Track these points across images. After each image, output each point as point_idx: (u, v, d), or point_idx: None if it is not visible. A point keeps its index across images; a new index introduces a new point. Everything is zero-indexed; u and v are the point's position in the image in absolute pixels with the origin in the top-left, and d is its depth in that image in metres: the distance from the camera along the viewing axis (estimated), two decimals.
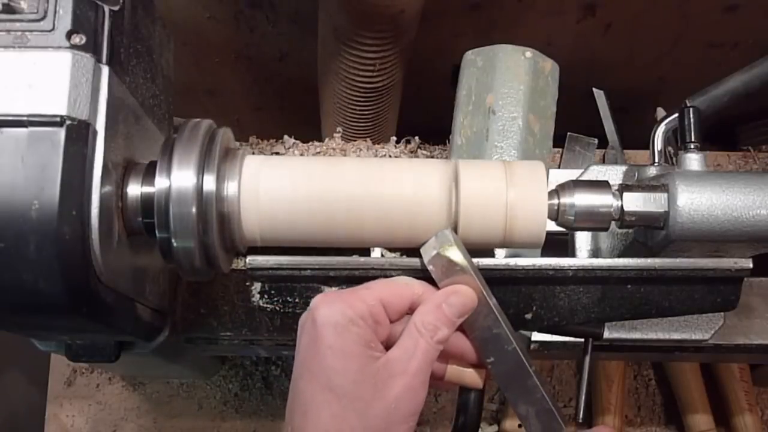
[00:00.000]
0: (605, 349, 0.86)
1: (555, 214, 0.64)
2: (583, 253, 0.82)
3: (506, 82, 0.85)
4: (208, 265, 0.63)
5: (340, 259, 0.64)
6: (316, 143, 1.17)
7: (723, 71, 0.76)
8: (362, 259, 0.65)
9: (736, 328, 0.89)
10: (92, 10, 0.59)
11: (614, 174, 0.80)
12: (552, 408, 0.61)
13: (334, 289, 0.64)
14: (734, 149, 1.24)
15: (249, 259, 0.64)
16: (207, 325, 0.85)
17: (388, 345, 0.58)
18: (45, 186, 0.54)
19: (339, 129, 1.22)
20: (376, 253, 0.90)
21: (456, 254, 0.61)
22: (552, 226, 0.65)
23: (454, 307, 0.59)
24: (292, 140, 1.16)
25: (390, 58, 1.09)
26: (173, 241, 0.61)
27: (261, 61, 1.37)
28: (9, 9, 0.58)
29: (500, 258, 0.68)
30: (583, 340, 0.79)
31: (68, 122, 0.56)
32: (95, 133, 0.58)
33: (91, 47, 0.58)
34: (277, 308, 0.65)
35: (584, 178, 0.81)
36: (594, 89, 0.99)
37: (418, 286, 0.60)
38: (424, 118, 1.18)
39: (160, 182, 0.61)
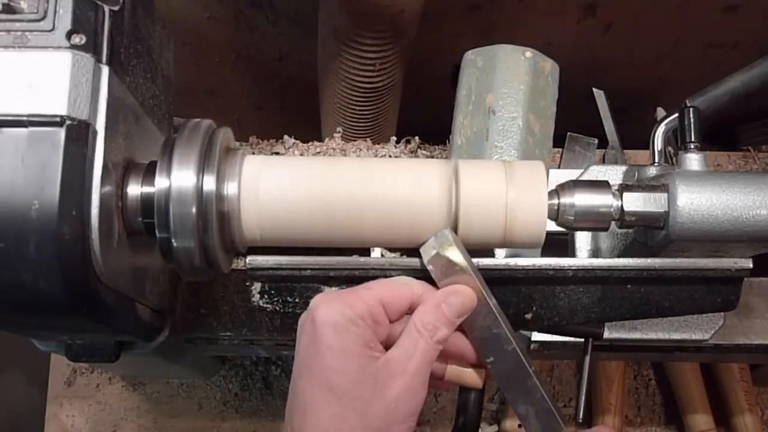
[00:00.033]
0: (605, 349, 0.86)
1: (555, 214, 0.64)
2: (583, 253, 0.82)
3: (506, 82, 0.85)
4: (208, 265, 0.63)
5: (340, 259, 0.64)
6: (316, 143, 1.17)
7: (723, 71, 0.76)
8: (362, 259, 0.65)
9: (736, 328, 0.89)
10: (92, 10, 0.59)
11: (614, 174, 0.80)
12: (552, 408, 0.61)
13: (334, 289, 0.64)
14: (734, 149, 1.25)
15: (249, 259, 0.64)
16: (207, 325, 0.85)
17: (387, 345, 0.58)
18: (45, 186, 0.54)
19: (339, 129, 1.22)
20: (376, 253, 0.90)
21: (455, 254, 0.61)
22: (552, 226, 0.65)
23: (453, 307, 0.59)
24: (292, 140, 1.16)
25: (390, 58, 1.09)
26: (173, 241, 0.61)
27: (261, 61, 1.37)
28: (9, 9, 0.58)
29: (500, 258, 0.68)
30: (583, 340, 0.79)
31: (68, 122, 0.56)
32: (95, 133, 0.58)
33: (91, 47, 0.58)
34: (277, 308, 0.65)
35: (584, 178, 0.81)
36: (594, 89, 0.99)
37: (417, 286, 0.60)
38: (424, 118, 1.18)
39: (160, 182, 0.61)
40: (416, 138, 1.19)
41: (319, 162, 0.66)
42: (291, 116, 1.51)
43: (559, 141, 1.04)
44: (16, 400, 1.38)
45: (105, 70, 0.60)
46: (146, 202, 0.63)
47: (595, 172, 0.81)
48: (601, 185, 0.65)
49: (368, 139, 1.23)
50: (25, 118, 0.55)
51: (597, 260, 0.67)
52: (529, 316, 0.67)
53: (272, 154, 1.15)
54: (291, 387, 0.58)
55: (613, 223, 0.65)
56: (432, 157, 1.16)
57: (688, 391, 1.18)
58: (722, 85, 0.75)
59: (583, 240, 0.83)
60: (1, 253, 0.54)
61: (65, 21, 0.58)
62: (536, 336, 0.84)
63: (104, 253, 0.59)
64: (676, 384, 1.20)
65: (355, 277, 0.63)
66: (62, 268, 0.55)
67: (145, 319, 0.71)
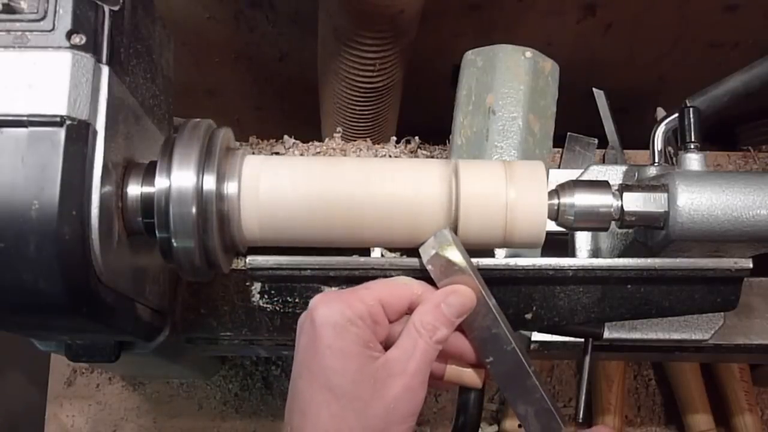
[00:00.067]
0: (605, 349, 0.86)
1: (555, 214, 0.64)
2: (583, 253, 0.82)
3: (506, 82, 0.85)
4: (208, 265, 0.63)
5: (340, 259, 0.64)
6: (316, 143, 1.17)
7: (723, 71, 0.76)
8: (362, 259, 0.65)
9: (736, 328, 0.88)
10: (92, 10, 0.59)
11: (614, 174, 0.80)
12: (551, 408, 0.61)
13: (333, 289, 0.64)
14: (734, 149, 1.24)
15: (249, 259, 0.64)
16: (207, 325, 0.85)
17: (387, 345, 0.58)
18: (45, 186, 0.54)
19: (339, 129, 1.22)
20: (376, 253, 0.90)
21: (455, 254, 0.61)
22: (552, 226, 0.65)
23: (452, 307, 0.59)
24: (292, 140, 1.16)
25: (390, 58, 1.09)
26: (173, 241, 0.61)
27: (261, 61, 1.37)
28: (9, 9, 0.58)
29: (500, 258, 0.68)
30: (583, 340, 0.79)
31: (68, 122, 0.56)
32: (95, 133, 0.58)
33: (91, 47, 0.58)
34: (277, 308, 0.66)
35: (584, 178, 0.81)
36: (594, 89, 0.99)
37: (417, 286, 0.60)
38: (424, 118, 1.18)
39: (160, 182, 0.61)
40: (416, 138, 1.19)
41: (319, 162, 0.66)
42: (291, 116, 1.51)
43: (559, 141, 1.04)
44: (16, 400, 1.38)
45: (105, 70, 0.60)
46: (146, 202, 0.63)
47: (595, 172, 0.81)
48: (601, 185, 0.65)
49: (368, 139, 1.23)
50: (25, 118, 0.55)
51: (597, 260, 0.67)
52: (529, 316, 0.67)
53: (272, 154, 1.15)
54: (290, 387, 0.58)
55: (613, 223, 0.65)
56: (432, 157, 1.16)
57: (688, 391, 1.18)
58: (722, 85, 0.75)
59: (583, 240, 0.83)
60: (1, 253, 0.54)
61: (65, 21, 0.58)
62: (536, 336, 0.84)
63: (104, 253, 0.59)
64: (676, 384, 1.20)
65: (355, 277, 0.63)
66: (62, 268, 0.55)
67: (145, 319, 0.71)
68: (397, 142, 1.19)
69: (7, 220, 0.54)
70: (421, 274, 0.62)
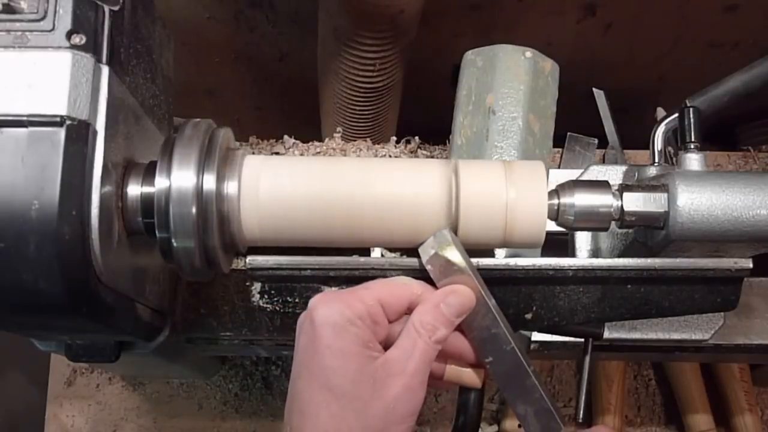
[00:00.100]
0: (605, 349, 0.86)
1: (555, 214, 0.64)
2: (583, 253, 0.82)
3: (506, 82, 0.85)
4: (208, 265, 0.63)
5: (340, 259, 0.64)
6: (316, 143, 1.17)
7: (723, 71, 0.76)
8: (362, 259, 0.65)
9: (736, 328, 0.89)
10: (92, 10, 0.59)
11: (614, 174, 0.80)
12: (550, 408, 0.61)
13: (333, 289, 0.64)
14: (734, 149, 1.24)
15: (249, 259, 0.64)
16: (207, 325, 0.85)
17: (386, 345, 0.58)
18: (45, 186, 0.54)
19: (339, 129, 1.22)
20: (376, 253, 0.90)
21: (454, 254, 0.61)
22: (552, 226, 0.65)
23: (452, 307, 0.59)
24: (292, 140, 1.16)
25: (390, 58, 1.09)
26: (173, 241, 0.61)
27: (261, 61, 1.37)
28: (9, 9, 0.58)
29: (500, 258, 0.68)
30: (583, 340, 0.79)
31: (68, 122, 0.56)
32: (95, 133, 0.58)
33: (91, 47, 0.58)
34: (277, 308, 0.65)
35: (584, 178, 0.81)
36: (594, 89, 0.99)
37: (416, 286, 0.60)
38: (424, 118, 1.18)
39: (160, 182, 0.61)
40: (416, 138, 1.19)
41: (319, 162, 0.66)
42: (291, 116, 1.51)
43: (559, 141, 1.04)
44: (16, 400, 1.38)
45: (105, 70, 0.60)
46: (146, 202, 0.63)
47: (595, 172, 0.81)
48: (601, 185, 0.65)
49: (368, 139, 1.23)
50: (25, 118, 0.55)
51: (597, 260, 0.67)
52: (529, 316, 0.67)
53: (272, 154, 1.15)
54: (290, 387, 0.58)
55: (613, 223, 0.65)
56: (432, 157, 1.16)
57: (688, 391, 1.18)
58: (722, 85, 0.75)
59: (583, 240, 0.83)
60: (1, 253, 0.54)
61: (65, 21, 0.58)
62: (536, 336, 0.84)
63: (104, 253, 0.59)
64: (676, 384, 1.20)
65: (355, 277, 0.63)
66: (62, 268, 0.55)
67: (145, 319, 0.71)
68: (397, 142, 1.19)
69: (7, 220, 0.54)
70: (421, 274, 0.62)
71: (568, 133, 1.10)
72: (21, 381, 1.39)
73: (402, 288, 0.60)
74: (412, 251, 0.63)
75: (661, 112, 0.96)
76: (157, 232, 0.62)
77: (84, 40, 0.58)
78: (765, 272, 0.82)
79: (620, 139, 0.98)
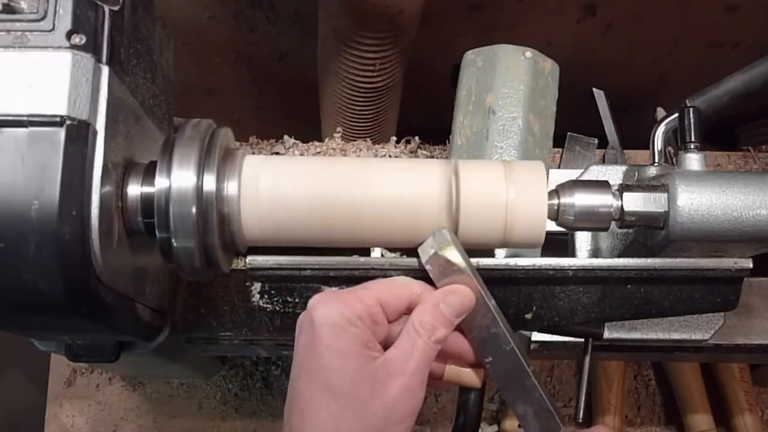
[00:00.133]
0: (605, 349, 0.86)
1: (555, 214, 0.64)
2: (583, 253, 0.82)
3: (506, 82, 0.85)
4: (208, 265, 0.63)
5: (340, 259, 0.64)
6: (316, 143, 1.17)
7: (723, 71, 0.76)
8: (362, 259, 0.65)
9: (736, 328, 0.89)
10: (92, 10, 0.59)
11: (614, 174, 0.80)
12: (550, 408, 0.61)
13: (333, 289, 0.64)
14: (734, 149, 1.24)
15: (249, 259, 0.64)
16: (207, 325, 0.85)
17: (386, 345, 0.58)
18: (45, 186, 0.54)
19: (339, 129, 1.22)
20: (376, 253, 0.90)
21: (454, 254, 0.61)
22: (552, 226, 0.65)
23: (452, 307, 0.59)
24: (292, 140, 1.16)
25: (390, 58, 1.09)
26: (173, 241, 0.61)
27: (261, 61, 1.37)
28: (9, 9, 0.58)
29: (500, 258, 0.68)
30: (583, 340, 0.79)
31: (68, 122, 0.56)
32: (95, 133, 0.58)
33: (91, 47, 0.58)
34: (277, 308, 0.65)
35: (584, 178, 0.81)
36: (594, 89, 0.99)
37: (416, 286, 0.60)
38: (424, 118, 1.18)
39: (160, 182, 0.61)
40: (416, 138, 1.19)
41: (319, 162, 0.66)
42: (291, 116, 1.51)
43: (559, 141, 1.04)
44: (16, 400, 1.38)
45: (105, 70, 0.60)
46: (146, 202, 0.63)
47: (595, 172, 0.81)
48: (601, 185, 0.65)
49: (368, 139, 1.23)
50: (25, 118, 0.55)
51: (597, 260, 0.67)
52: (529, 316, 0.67)
53: (272, 154, 1.15)
54: (290, 387, 0.58)
55: (613, 223, 0.65)
56: (432, 157, 1.16)
57: (688, 391, 1.18)
58: (722, 85, 0.75)
59: (583, 240, 0.83)
60: (1, 253, 0.54)
61: (65, 21, 0.58)
62: (536, 336, 0.84)
63: (104, 253, 0.59)
64: (676, 384, 1.20)
65: (355, 277, 0.63)
66: (62, 268, 0.55)
67: (145, 319, 0.71)
68: (397, 142, 1.19)
69: (7, 220, 0.54)
70: (420, 274, 0.62)
71: (568, 133, 1.10)
72: (21, 381, 1.39)
73: (401, 288, 0.60)
74: (412, 251, 0.63)
75: (661, 112, 0.96)
76: (157, 232, 0.62)
77: (84, 40, 0.58)
78: (765, 272, 0.82)
79: (620, 139, 0.98)
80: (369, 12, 0.98)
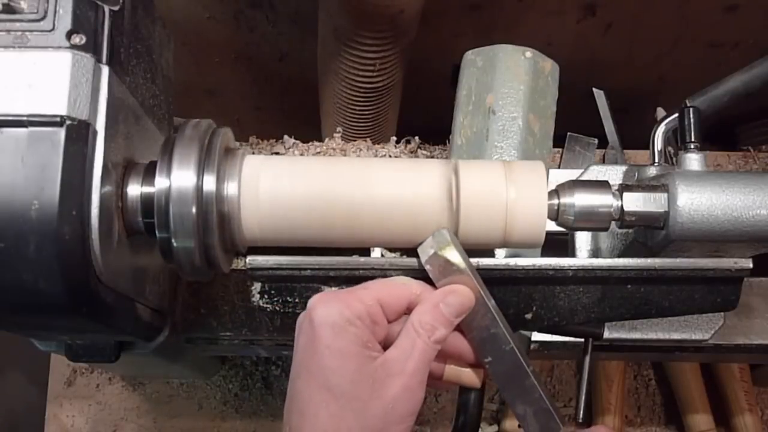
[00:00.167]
0: (605, 349, 0.86)
1: (555, 214, 0.64)
2: (583, 253, 0.82)
3: (506, 82, 0.85)
4: (208, 265, 0.63)
5: (340, 259, 0.64)
6: (316, 143, 1.17)
7: (723, 71, 0.76)
8: (362, 259, 0.65)
9: (736, 328, 0.89)
10: (92, 10, 0.59)
11: (614, 174, 0.80)
12: (550, 408, 0.61)
13: (333, 289, 0.64)
14: (734, 149, 1.24)
15: (249, 259, 0.64)
16: (207, 325, 0.85)
17: (385, 345, 0.58)
18: (45, 186, 0.54)
19: (339, 129, 1.22)
20: (376, 253, 0.90)
21: (453, 254, 0.61)
22: (552, 226, 0.65)
23: (451, 307, 0.59)
24: (292, 140, 1.16)
25: (390, 58, 1.09)
26: (173, 241, 0.61)
27: (261, 61, 1.37)
28: (9, 9, 0.58)
29: (500, 258, 0.68)
30: (583, 340, 0.79)
31: (68, 122, 0.56)
32: (95, 133, 0.58)
33: (91, 47, 0.58)
34: (277, 308, 0.65)
35: (584, 178, 0.81)
36: (594, 89, 0.99)
37: (415, 286, 0.60)
38: (424, 118, 1.18)
39: (160, 182, 0.61)
40: (416, 138, 1.19)
41: (319, 162, 0.66)
42: (291, 116, 1.51)
43: (559, 141, 1.04)
44: (16, 400, 1.38)
45: (105, 70, 0.60)
46: (146, 202, 0.63)
47: (595, 172, 0.81)
48: (601, 185, 0.65)
49: (368, 139, 1.23)
50: (25, 118, 0.55)
51: (597, 260, 0.67)
52: (529, 316, 0.67)
53: (272, 154, 1.15)
54: (289, 387, 0.58)
55: (613, 223, 0.65)
56: (432, 157, 1.16)
57: (688, 391, 1.18)
58: (722, 85, 0.75)
59: (583, 240, 0.83)
60: (1, 253, 0.54)
61: (65, 21, 0.58)
62: (536, 336, 0.84)
63: (104, 253, 0.59)
64: (676, 384, 1.20)
65: (355, 277, 0.63)
66: (62, 268, 0.55)
67: (145, 319, 0.71)
68: (397, 142, 1.19)
69: (7, 220, 0.54)
70: (420, 274, 0.62)
71: (568, 133, 1.10)
72: (21, 381, 1.39)
73: (401, 288, 0.60)
74: (412, 251, 0.63)
75: (661, 112, 0.96)
76: (157, 232, 0.62)
77: (84, 40, 0.58)
78: (765, 272, 0.82)
79: (620, 139, 0.98)
80: (369, 12, 0.98)
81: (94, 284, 0.59)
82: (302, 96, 1.39)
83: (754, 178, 0.63)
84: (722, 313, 0.82)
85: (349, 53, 1.07)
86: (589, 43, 1.31)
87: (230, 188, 0.62)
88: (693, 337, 0.83)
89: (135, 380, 1.21)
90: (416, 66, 1.22)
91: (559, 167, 1.08)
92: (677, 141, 0.73)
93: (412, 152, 1.18)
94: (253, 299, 0.65)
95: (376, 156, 1.17)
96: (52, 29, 0.58)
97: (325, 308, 0.56)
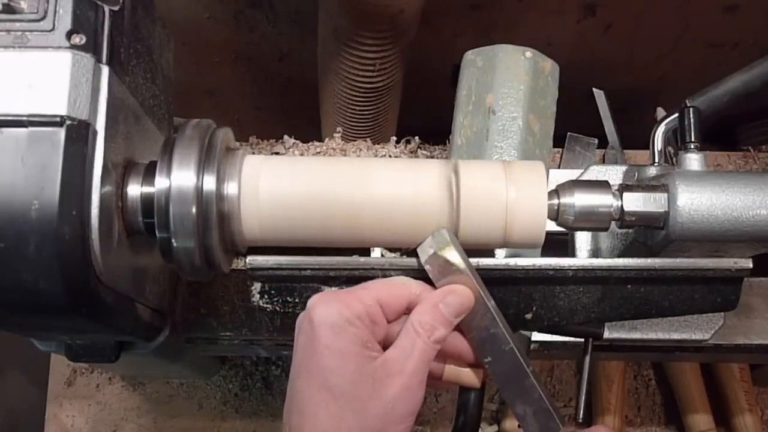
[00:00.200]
0: (605, 349, 0.86)
1: (555, 214, 0.64)
2: (583, 253, 0.82)
3: (506, 82, 0.85)
4: (208, 265, 0.63)
5: (340, 259, 0.64)
6: (316, 143, 1.17)
7: (723, 71, 0.76)
8: (362, 259, 0.65)
9: (736, 328, 0.89)
10: (92, 10, 0.59)
11: (614, 174, 0.80)
12: (549, 408, 0.61)
13: (333, 289, 0.64)
14: (734, 149, 1.24)
15: (249, 259, 0.64)
16: (207, 325, 0.85)
17: (385, 345, 0.58)
18: (45, 186, 0.54)
19: (339, 129, 1.22)
20: (376, 253, 0.90)
21: (453, 254, 0.61)
22: (552, 226, 0.65)
23: (451, 307, 0.59)
24: (292, 140, 1.16)
25: (390, 58, 1.09)
26: (173, 241, 0.61)
27: (261, 61, 1.37)
28: (9, 9, 0.58)
29: (500, 258, 0.68)
30: (583, 340, 0.79)
31: (68, 122, 0.56)
32: (95, 133, 0.58)
33: (91, 47, 0.58)
34: (277, 308, 0.65)
35: (584, 178, 0.81)
36: (594, 89, 0.99)
37: (415, 286, 0.60)
38: (424, 118, 1.18)
39: (160, 182, 0.61)
40: (416, 138, 1.19)
41: (319, 162, 0.66)
42: (291, 116, 1.51)
43: (559, 141, 1.04)
44: (16, 400, 1.38)
45: (105, 70, 0.60)
46: (146, 202, 0.63)
47: (595, 172, 0.81)
48: (601, 185, 0.65)
49: (368, 139, 1.24)
50: (25, 118, 0.55)
51: (597, 260, 0.67)
52: (529, 316, 0.67)
53: (272, 154, 1.15)
54: (289, 387, 0.58)
55: (613, 223, 0.65)
56: (432, 157, 1.16)
57: (688, 391, 1.18)
58: (722, 85, 0.75)
59: (583, 240, 0.83)
60: (1, 253, 0.54)
61: (65, 21, 0.58)
62: (536, 336, 0.84)
63: (104, 253, 0.59)
64: (676, 384, 1.20)
65: (355, 277, 0.63)
66: (62, 268, 0.55)
67: (145, 319, 0.71)
68: (397, 142, 1.19)
69: (7, 220, 0.54)
70: (420, 274, 0.62)
71: (568, 133, 1.10)
72: (21, 381, 1.39)
73: (401, 288, 0.60)
74: (412, 251, 0.63)
75: (661, 112, 0.96)
76: (157, 232, 0.62)
77: (84, 40, 0.58)
78: (765, 272, 0.82)
79: (620, 139, 0.98)
80: (369, 12, 0.98)
81: (94, 284, 0.59)
82: (302, 96, 1.39)
83: (754, 178, 0.63)
84: (722, 313, 0.82)
85: (349, 53, 1.07)
86: (589, 43, 1.31)
87: (230, 188, 0.62)
88: (693, 337, 0.83)
89: (135, 380, 1.21)
90: (416, 66, 1.22)
91: (559, 167, 1.08)
92: (677, 141, 0.73)
93: (412, 152, 1.18)
94: (253, 299, 0.65)
95: (376, 156, 1.17)
96: (52, 29, 0.58)
97: (325, 308, 0.56)
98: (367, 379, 0.55)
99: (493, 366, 0.61)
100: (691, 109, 0.71)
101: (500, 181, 0.61)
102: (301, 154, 1.15)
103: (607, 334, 0.80)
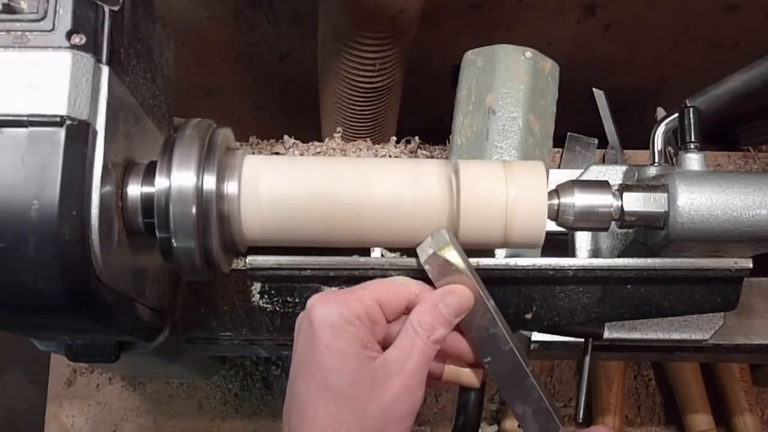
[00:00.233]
0: (605, 349, 0.86)
1: (555, 214, 0.64)
2: (583, 253, 0.82)
3: (506, 82, 0.85)
4: (208, 265, 0.63)
5: (340, 259, 0.64)
6: (316, 143, 1.17)
7: (723, 71, 0.76)
8: (362, 259, 0.65)
9: (736, 328, 0.89)
10: (92, 10, 0.59)
11: (614, 174, 0.80)
12: (549, 408, 0.61)
13: (333, 289, 0.64)
14: (734, 149, 1.24)
15: (249, 259, 0.64)
16: (207, 325, 0.85)
17: (385, 345, 0.58)
18: (45, 186, 0.54)
19: (339, 129, 1.22)
20: (376, 253, 0.90)
21: (452, 254, 0.61)
22: (552, 226, 0.65)
23: (450, 307, 0.59)
24: (292, 140, 1.16)
25: (390, 58, 1.09)
26: (173, 241, 0.61)
27: (261, 61, 1.37)
28: (9, 9, 0.58)
29: (500, 258, 0.68)
30: (583, 340, 0.79)
31: (68, 122, 0.56)
32: (95, 133, 0.58)
33: (91, 47, 0.58)
34: (277, 308, 0.65)
35: (584, 178, 0.81)
36: (594, 89, 0.99)
37: (415, 286, 0.60)
38: (424, 118, 1.18)
39: (160, 182, 0.61)
40: (416, 138, 1.19)
41: (319, 162, 0.66)
42: (291, 116, 1.51)
43: (559, 141, 1.04)
44: (16, 400, 1.38)
45: (105, 70, 0.60)
46: (146, 202, 0.63)
47: (595, 172, 0.81)
48: (601, 185, 0.65)
49: (368, 139, 1.24)
50: (25, 118, 0.55)
51: (597, 260, 0.67)
52: (529, 316, 0.67)
53: (272, 154, 1.15)
54: (289, 387, 0.58)
55: (613, 223, 0.65)
56: (432, 157, 1.16)
57: (688, 391, 1.18)
58: (722, 85, 0.75)
59: (583, 240, 0.83)
60: (1, 253, 0.54)
61: (65, 21, 0.58)
62: (536, 336, 0.84)
63: (104, 253, 0.59)
64: (676, 384, 1.20)
65: (355, 277, 0.63)
66: (62, 268, 0.55)
67: (145, 319, 0.71)
68: (397, 142, 1.19)
69: (7, 220, 0.54)
70: (419, 274, 0.62)
71: (568, 133, 1.10)
72: (21, 381, 1.39)
73: (400, 288, 0.60)
74: (412, 251, 0.63)
75: (661, 112, 0.96)
76: (157, 232, 0.62)
77: (84, 40, 0.58)
78: (765, 272, 0.82)
79: (620, 139, 0.98)
80: (369, 12, 0.98)
81: (94, 284, 0.59)
82: (302, 96, 1.39)
83: (754, 178, 0.63)
84: (722, 313, 0.82)
85: (349, 53, 1.07)
86: (589, 43, 1.31)
87: (230, 188, 0.62)
88: (693, 337, 0.83)
89: (135, 380, 1.21)
90: (416, 66, 1.22)
91: (559, 167, 1.08)
92: (677, 141, 0.73)
93: (412, 152, 1.18)
94: (253, 299, 0.65)
95: (376, 156, 1.17)
96: (52, 29, 0.57)
97: (324, 308, 0.56)
98: (367, 379, 0.55)
99: (493, 366, 0.61)
100: (691, 109, 0.71)
101: (500, 181, 0.61)
102: (301, 154, 1.15)
103: (607, 334, 0.80)
